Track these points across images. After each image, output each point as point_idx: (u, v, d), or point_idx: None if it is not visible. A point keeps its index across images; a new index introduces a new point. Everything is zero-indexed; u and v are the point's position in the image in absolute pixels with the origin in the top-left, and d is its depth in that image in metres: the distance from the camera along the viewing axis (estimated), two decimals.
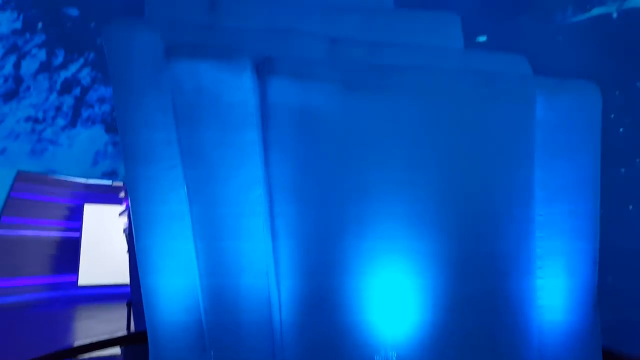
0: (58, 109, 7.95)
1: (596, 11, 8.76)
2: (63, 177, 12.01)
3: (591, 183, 4.97)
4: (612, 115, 8.22)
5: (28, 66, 7.55)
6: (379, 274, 4.63)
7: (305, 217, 4.56)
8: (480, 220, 4.74)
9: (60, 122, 8.17)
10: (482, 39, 8.78)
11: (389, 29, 5.54)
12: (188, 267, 4.92)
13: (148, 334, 4.98)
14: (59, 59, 7.70)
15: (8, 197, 8.31)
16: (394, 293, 4.63)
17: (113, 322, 8.55)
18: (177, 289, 4.93)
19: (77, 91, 8.09)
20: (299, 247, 4.57)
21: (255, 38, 5.01)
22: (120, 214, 12.49)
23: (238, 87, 4.64)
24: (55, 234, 16.08)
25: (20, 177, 13.19)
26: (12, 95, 7.65)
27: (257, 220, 4.70)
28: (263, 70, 4.52)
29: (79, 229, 15.32)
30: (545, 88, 4.94)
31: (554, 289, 4.87)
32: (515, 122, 4.81)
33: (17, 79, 7.47)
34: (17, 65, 7.40)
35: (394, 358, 4.62)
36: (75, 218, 15.45)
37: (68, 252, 15.83)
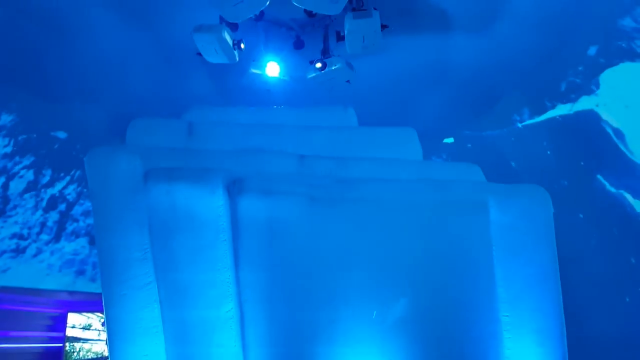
0: (43, 224, 8.21)
1: (550, 113, 9.55)
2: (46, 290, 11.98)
3: (552, 279, 5.21)
4: (581, 215, 8.70)
5: (16, 186, 7.92)
6: None
7: (276, 326, 4.71)
8: (447, 324, 4.90)
9: (45, 237, 8.40)
10: (449, 140, 9.44)
11: (352, 145, 6.06)
12: None
13: None
14: (45, 178, 8.11)
15: None
16: None
17: None
18: None
19: (62, 207, 8.42)
20: (271, 357, 4.65)
21: (229, 158, 5.48)
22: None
23: (211, 205, 4.99)
24: (37, 345, 15.54)
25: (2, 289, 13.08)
26: None
27: (229, 334, 4.82)
28: (233, 189, 4.91)
29: (61, 339, 14.86)
30: (496, 193, 5.35)
31: None
32: (470, 226, 5.15)
33: (5, 199, 7.79)
34: (5, 186, 7.75)
35: None
36: (58, 328, 15.05)
37: None
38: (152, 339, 5.03)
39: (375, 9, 6.46)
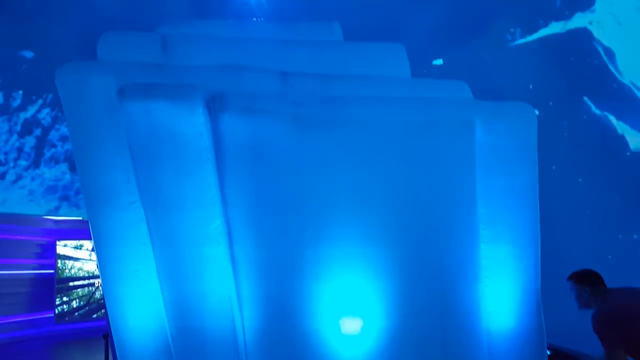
0: (20, 150, 8.02)
1: (543, 32, 9.29)
2: (32, 216, 11.96)
3: (530, 197, 5.29)
4: (565, 134, 8.71)
5: None
6: (337, 293, 4.83)
7: (263, 244, 4.76)
8: (429, 235, 5.01)
9: (23, 163, 8.24)
10: (439, 62, 9.21)
11: (338, 61, 5.84)
12: (153, 295, 5.05)
13: (119, 355, 5.08)
14: (17, 101, 7.79)
15: None
16: (351, 305, 4.84)
17: (91, 356, 8.61)
18: (142, 316, 5.05)
19: (37, 131, 8.19)
20: (259, 272, 4.75)
21: (207, 75, 5.25)
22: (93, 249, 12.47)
23: (191, 124, 4.85)
24: (28, 272, 15.88)
25: None
26: None
27: (217, 250, 4.87)
28: (214, 106, 4.74)
29: (52, 266, 15.18)
30: (483, 111, 5.27)
31: (500, 295, 5.15)
32: (455, 144, 5.12)
33: None
34: None
35: None
36: (47, 256, 15.32)
37: (43, 290, 15.63)
38: (141, 254, 5.08)
39: None
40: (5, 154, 8.15)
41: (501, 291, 5.14)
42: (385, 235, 4.91)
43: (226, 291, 4.83)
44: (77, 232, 14.55)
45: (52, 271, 14.86)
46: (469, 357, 4.92)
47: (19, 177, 8.34)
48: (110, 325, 5.10)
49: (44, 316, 16.02)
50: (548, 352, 5.44)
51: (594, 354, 5.30)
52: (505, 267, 5.15)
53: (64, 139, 8.16)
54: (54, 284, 14.71)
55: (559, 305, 4.65)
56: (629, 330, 4.01)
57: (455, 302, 5.01)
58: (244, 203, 4.74)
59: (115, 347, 5.10)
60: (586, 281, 4.25)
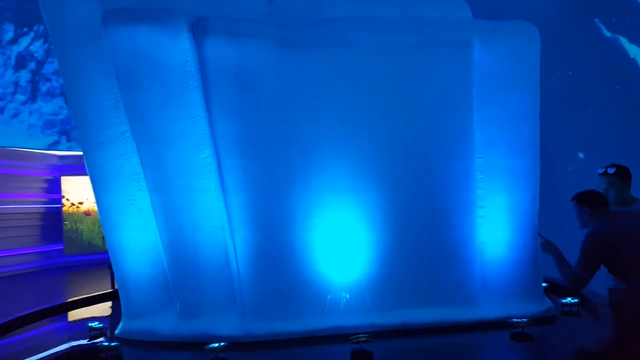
0: (16, 84, 7.88)
1: None
2: (35, 151, 12.04)
3: (530, 122, 5.14)
4: (573, 57, 8.33)
5: None
6: (326, 221, 4.87)
7: (252, 172, 4.74)
8: (422, 163, 4.94)
9: (20, 97, 8.13)
10: None
11: None
12: (149, 225, 5.14)
13: (118, 289, 5.26)
14: (9, 34, 7.56)
15: None
16: (341, 238, 4.89)
17: (98, 285, 9.00)
18: (140, 246, 5.18)
19: (32, 65, 8.00)
20: (249, 200, 4.76)
21: (191, 0, 5.02)
22: None
23: (176, 50, 4.70)
24: (37, 206, 16.26)
25: None
26: None
27: (207, 180, 4.88)
28: (198, 30, 4.56)
29: (59, 201, 15.53)
30: (481, 31, 5.02)
31: (495, 225, 5.13)
32: (451, 67, 4.92)
33: None
34: None
35: (345, 297, 4.93)
36: (54, 190, 15.63)
37: (52, 223, 16.07)
38: (135, 185, 5.12)
39: None
40: (3, 88, 8.03)
41: (496, 221, 5.11)
42: (377, 162, 4.86)
43: (218, 220, 4.88)
44: (82, 167, 14.70)
45: (59, 205, 15.21)
46: (461, 285, 5.00)
47: (17, 112, 8.27)
48: (110, 255, 5.23)
49: (53, 248, 16.61)
50: (544, 285, 5.51)
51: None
52: (502, 197, 5.10)
53: (58, 72, 7.99)
54: (62, 217, 15.11)
55: (558, 241, 4.62)
56: (617, 251, 4.04)
57: (447, 231, 5.01)
58: (232, 132, 4.67)
59: (116, 276, 5.27)
60: (588, 201, 4.29)
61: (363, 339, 4.18)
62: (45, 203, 16.32)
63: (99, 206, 5.19)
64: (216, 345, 4.26)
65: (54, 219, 15.36)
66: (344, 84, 4.75)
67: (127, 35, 4.66)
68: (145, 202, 5.06)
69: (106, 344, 4.68)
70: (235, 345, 4.50)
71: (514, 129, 5.09)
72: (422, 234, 4.96)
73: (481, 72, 4.99)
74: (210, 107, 4.65)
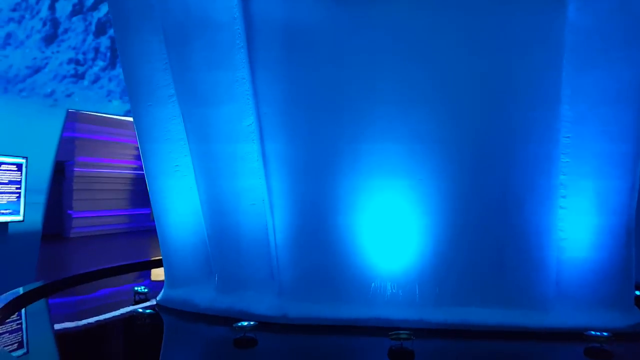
0: (96, 50, 8.17)
1: None
2: (122, 118, 12.71)
3: (632, 99, 4.20)
4: None
5: (62, 9, 7.76)
6: (375, 199, 4.36)
7: (296, 143, 4.35)
8: (492, 141, 4.23)
9: (100, 63, 8.42)
10: None
11: None
12: (193, 192, 4.99)
13: (162, 257, 5.20)
14: (89, 1, 7.82)
15: (61, 134, 8.92)
16: (391, 220, 4.36)
17: None
18: (183, 213, 5.05)
19: (111, 31, 8.24)
20: (290, 174, 4.40)
21: None
22: None
23: (224, 6, 4.39)
24: (128, 172, 17.30)
25: (80, 118, 14.11)
26: (52, 38, 7.95)
27: (251, 147, 4.57)
28: None
29: None
30: None
31: (579, 221, 4.30)
32: (540, 28, 4.11)
33: (54, 22, 7.73)
34: (52, 8, 7.62)
35: (392, 287, 4.42)
36: None
37: (140, 189, 16.99)
38: (181, 150, 4.98)
39: None
40: (84, 54, 8.39)
41: (581, 214, 4.27)
42: (438, 136, 4.22)
43: (260, 192, 4.57)
44: None
45: None
46: (531, 286, 4.27)
47: (97, 78, 8.61)
48: (155, 220, 5.16)
49: (141, 213, 17.62)
50: (637, 293, 4.59)
51: None
52: (590, 186, 4.24)
53: None
54: None
55: None
56: None
57: (519, 223, 4.27)
58: (277, 97, 4.30)
59: (160, 241, 5.19)
60: None
61: (404, 336, 3.68)
62: (135, 169, 17.34)
63: (145, 170, 5.12)
64: (245, 323, 4.00)
65: (142, 184, 16.25)
66: (407, 46, 4.14)
67: None
68: (190, 168, 4.89)
69: (141, 311, 4.62)
70: (268, 325, 4.21)
71: (612, 103, 4.18)
72: (489, 224, 4.27)
73: (576, 33, 4.12)
74: (254, 69, 4.31)
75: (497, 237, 4.29)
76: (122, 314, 4.84)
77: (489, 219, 4.29)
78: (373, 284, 4.39)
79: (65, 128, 9.11)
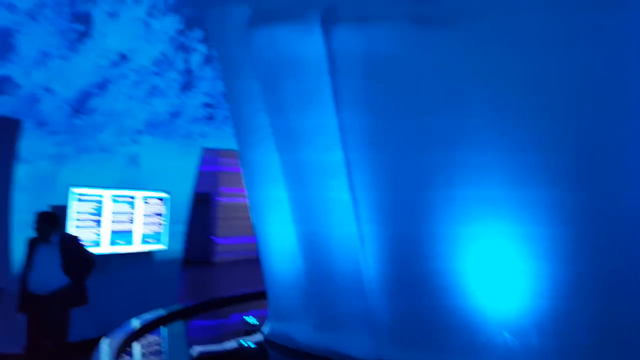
0: (223, 94, 8.94)
1: None
2: None
3: None
4: None
5: (195, 60, 8.68)
6: (477, 236, 3.91)
7: (384, 174, 4.16)
8: (612, 165, 3.54)
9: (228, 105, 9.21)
10: None
11: None
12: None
13: (265, 289, 5.32)
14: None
15: (198, 169, 9.91)
16: (498, 256, 3.86)
17: None
18: (284, 245, 5.12)
19: None
20: (381, 206, 4.22)
21: None
22: None
23: (310, 45, 4.43)
24: None
25: (221, 153, 15.44)
26: (187, 86, 8.91)
27: (340, 179, 4.47)
28: (326, 20, 4.20)
29: None
30: None
31: None
32: (631, 25, 3.37)
33: (189, 72, 8.67)
34: (187, 60, 8.57)
35: (505, 335, 3.90)
36: None
37: None
38: (281, 182, 5.07)
39: None
40: (214, 97, 9.24)
41: None
42: (545, 170, 3.65)
43: (349, 228, 4.42)
44: None
45: None
46: None
47: (227, 118, 9.40)
48: (259, 252, 5.33)
49: None
50: None
51: None
52: None
53: None
54: None
55: None
56: None
57: None
58: (362, 130, 4.17)
59: (263, 273, 5.33)
60: None
61: None
62: None
63: (249, 201, 5.34)
64: None
65: None
66: (497, 62, 3.71)
67: (267, 35, 4.62)
68: (284, 202, 4.97)
69: (245, 344, 4.75)
70: None
71: None
72: (620, 276, 3.54)
73: None
74: (339, 101, 4.24)
75: (621, 284, 3.53)
76: (226, 345, 5.04)
77: (610, 263, 3.56)
78: (483, 331, 3.91)
79: (209, 163, 9.98)
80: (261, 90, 4.85)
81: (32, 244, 4.95)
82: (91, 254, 5.21)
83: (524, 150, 3.68)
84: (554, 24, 3.52)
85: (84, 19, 7.02)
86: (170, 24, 8.29)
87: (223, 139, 9.78)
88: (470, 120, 3.81)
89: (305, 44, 4.43)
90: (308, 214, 4.65)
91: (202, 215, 16.14)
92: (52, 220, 4.98)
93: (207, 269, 16.23)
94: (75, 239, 5.24)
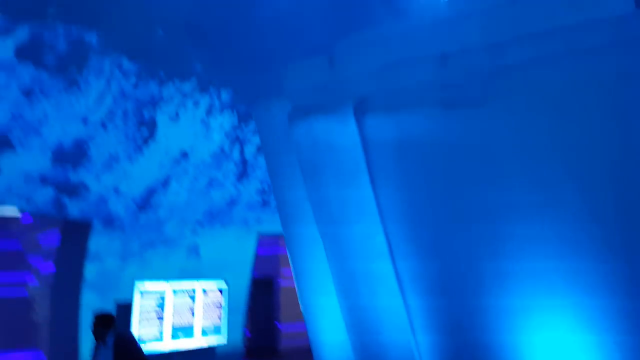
0: None
1: None
2: None
3: None
4: None
5: (249, 151, 9.23)
6: (523, 308, 3.68)
7: (426, 258, 4.07)
8: None
9: None
10: None
11: (525, 16, 4.56)
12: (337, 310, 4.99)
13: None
14: None
15: (256, 255, 10.13)
16: (546, 335, 3.60)
17: None
18: (331, 329, 5.03)
19: None
20: (428, 290, 4.07)
21: (365, 81, 4.92)
22: None
23: (346, 135, 4.64)
24: None
25: (281, 237, 15.69)
26: (243, 175, 9.41)
27: (384, 264, 4.43)
28: (358, 111, 4.40)
29: None
30: None
31: None
32: None
33: (244, 162, 9.21)
34: (241, 152, 9.14)
35: None
36: None
37: None
38: (326, 268, 5.09)
39: None
40: (267, 184, 9.66)
41: None
42: (589, 242, 3.46)
43: (396, 305, 4.30)
44: None
45: None
46: None
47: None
48: (308, 333, 5.27)
49: None
50: None
51: None
52: None
53: None
54: None
55: None
56: None
57: None
58: (400, 213, 4.19)
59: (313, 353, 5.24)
60: None
61: None
62: None
63: (297, 287, 5.36)
64: None
65: None
66: (531, 136, 3.68)
67: (306, 128, 4.88)
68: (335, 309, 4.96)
69: None
70: None
71: None
72: None
73: None
74: (377, 190, 4.33)
75: None
76: None
77: None
78: None
79: (269, 247, 10.20)
80: (302, 176, 5.04)
81: (95, 346, 5.13)
82: (145, 355, 5.32)
83: (566, 223, 3.52)
84: (587, 98, 3.48)
85: (149, 124, 7.77)
86: (226, 120, 8.96)
87: (278, 224, 10.07)
88: (510, 194, 3.74)
89: (340, 133, 4.64)
90: (355, 297, 4.60)
91: (265, 301, 16.10)
92: (106, 322, 5.14)
93: (272, 358, 15.87)
94: (130, 340, 5.38)
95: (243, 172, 9.58)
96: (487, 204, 3.82)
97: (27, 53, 5.69)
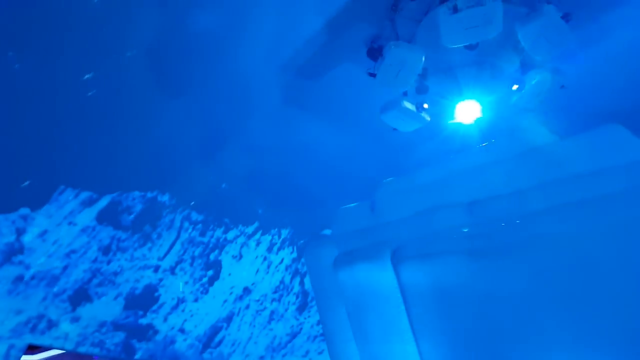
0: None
1: None
2: None
3: None
4: None
5: (308, 282, 9.59)
6: None
7: None
8: None
9: None
10: None
11: (548, 165, 4.88)
12: None
13: None
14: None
15: None
16: None
17: None
18: None
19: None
20: None
21: (402, 227, 5.33)
22: None
23: (385, 279, 4.94)
24: None
25: None
26: (303, 307, 9.70)
27: None
28: (394, 259, 4.74)
29: None
30: None
31: None
32: None
33: (304, 294, 9.53)
34: (301, 283, 9.51)
35: None
36: None
37: None
38: None
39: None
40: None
41: None
42: None
43: None
44: None
45: None
46: None
47: None
48: None
49: None
50: None
51: None
52: None
53: None
54: None
55: None
56: None
57: None
58: (439, 353, 4.26)
59: None
60: None
61: None
62: None
63: None
64: None
65: None
66: (550, 282, 3.79)
67: (350, 273, 5.26)
68: None
69: None
70: None
71: None
72: None
73: None
74: (414, 328, 4.49)
75: None
76: None
77: None
78: None
79: None
80: (348, 319, 5.28)
81: None
82: None
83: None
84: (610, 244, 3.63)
85: (215, 265, 8.44)
86: (286, 255, 9.53)
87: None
88: (548, 342, 3.76)
89: (380, 278, 4.96)
90: None
91: None
92: None
93: None
94: None
95: (303, 303, 9.82)
96: (528, 354, 3.85)
97: (107, 217, 6.68)
